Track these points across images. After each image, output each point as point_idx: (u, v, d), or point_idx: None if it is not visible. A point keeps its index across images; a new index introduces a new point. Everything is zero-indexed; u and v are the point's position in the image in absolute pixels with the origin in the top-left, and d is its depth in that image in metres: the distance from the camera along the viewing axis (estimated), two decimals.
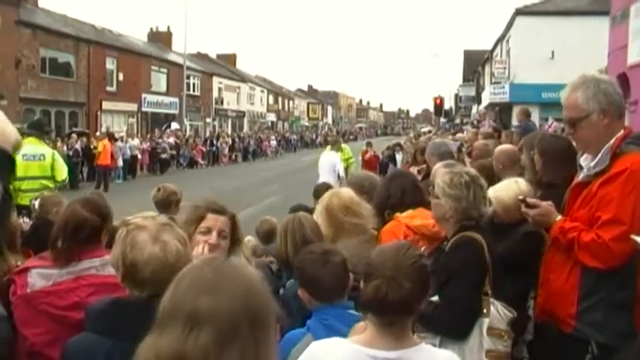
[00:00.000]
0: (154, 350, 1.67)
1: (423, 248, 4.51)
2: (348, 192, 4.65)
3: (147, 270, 2.50)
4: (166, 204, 6.34)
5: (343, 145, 18.61)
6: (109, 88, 42.45)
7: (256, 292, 1.76)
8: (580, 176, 3.81)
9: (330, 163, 15.26)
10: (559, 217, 3.70)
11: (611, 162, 3.53)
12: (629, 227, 3.32)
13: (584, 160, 3.80)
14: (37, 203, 6.25)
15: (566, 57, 27.86)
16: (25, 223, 6.06)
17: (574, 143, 4.12)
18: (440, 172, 3.83)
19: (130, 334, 2.39)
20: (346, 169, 17.10)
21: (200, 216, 3.45)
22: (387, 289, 2.36)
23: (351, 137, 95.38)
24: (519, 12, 34.73)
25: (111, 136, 30.54)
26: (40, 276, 3.46)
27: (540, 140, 5.03)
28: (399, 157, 19.03)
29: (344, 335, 2.74)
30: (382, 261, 2.45)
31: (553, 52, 31.55)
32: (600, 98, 3.58)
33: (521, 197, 3.99)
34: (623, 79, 14.36)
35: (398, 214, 4.57)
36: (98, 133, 32.61)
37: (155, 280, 2.47)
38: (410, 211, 4.56)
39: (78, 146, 28.82)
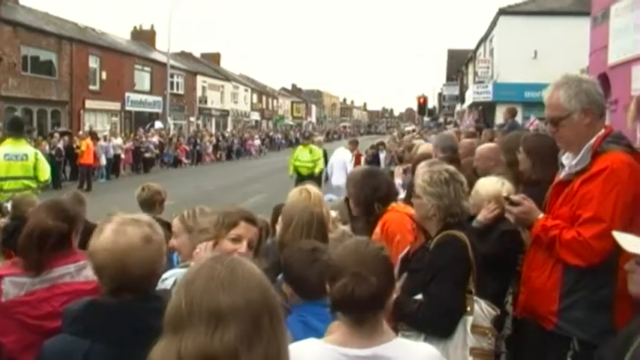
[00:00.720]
0: (174, 353, 1.65)
1: (407, 247, 4.57)
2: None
3: (97, 258, 2.47)
4: (150, 203, 6.32)
5: (312, 146, 18.84)
6: (92, 87, 42.14)
7: (267, 285, 1.78)
8: (561, 174, 3.84)
9: (341, 160, 16.96)
10: (541, 216, 3.73)
11: (592, 160, 3.57)
12: (610, 225, 3.35)
13: (566, 159, 3.85)
14: (9, 205, 6.18)
15: (548, 57, 28.06)
16: (3, 222, 6.02)
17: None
18: (420, 172, 3.86)
19: (107, 335, 2.40)
20: (313, 170, 17.34)
21: (233, 222, 3.38)
22: (353, 285, 2.34)
23: (335, 136, 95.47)
24: (502, 12, 34.88)
25: (93, 135, 30.31)
26: (13, 284, 3.41)
27: (526, 140, 5.05)
28: (382, 156, 19.04)
29: (320, 333, 2.75)
30: (344, 259, 2.44)
31: (536, 52, 31.71)
32: (582, 98, 3.62)
33: (504, 195, 4.02)
34: (604, 79, 14.48)
35: (394, 205, 4.76)
36: (81, 132, 32.35)
37: (103, 268, 2.45)
38: (400, 203, 4.84)
39: (60, 145, 28.58)
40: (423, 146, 8.93)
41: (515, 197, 3.88)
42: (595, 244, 3.42)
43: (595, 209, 3.46)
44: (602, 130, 3.67)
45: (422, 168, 4.91)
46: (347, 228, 5.12)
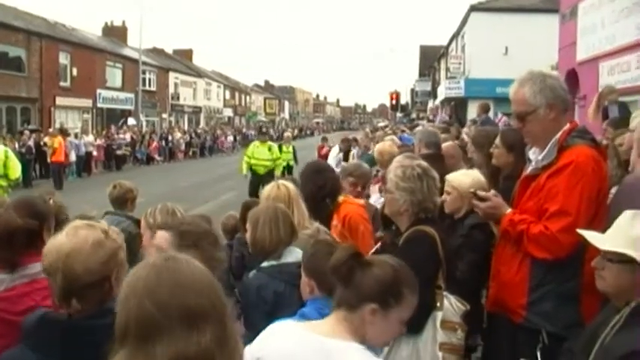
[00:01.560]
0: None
1: (378, 233, 4.61)
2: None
3: (46, 260, 2.44)
4: (122, 201, 6.27)
5: (271, 143, 17.97)
6: (62, 84, 41.54)
7: (217, 283, 1.78)
8: (528, 169, 3.89)
9: (333, 157, 16.88)
10: (509, 210, 3.77)
11: (558, 155, 3.62)
12: (575, 218, 3.41)
13: (533, 154, 3.89)
14: None
15: (519, 53, 28.27)
16: None
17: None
18: (392, 167, 3.88)
19: (57, 352, 2.34)
20: (271, 169, 16.90)
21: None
22: None
23: (308, 132, 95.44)
24: (474, 8, 35.15)
25: (64, 132, 29.97)
26: None
27: (506, 135, 5.08)
28: (354, 151, 19.03)
29: None
30: None
31: (507, 48, 32.02)
32: (547, 93, 3.67)
33: (472, 190, 4.04)
34: (573, 75, 14.66)
35: (345, 198, 5.01)
36: (51, 130, 31.98)
37: (52, 272, 2.41)
38: (349, 196, 5.07)
39: (31, 143, 28.22)
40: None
41: (482, 193, 3.91)
42: (562, 238, 3.47)
43: (561, 203, 3.51)
44: (567, 125, 3.73)
45: (396, 162, 4.95)
46: None
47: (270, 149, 17.18)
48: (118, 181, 6.54)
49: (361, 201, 4.95)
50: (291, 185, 4.72)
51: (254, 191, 14.71)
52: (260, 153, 17.19)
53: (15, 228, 3.47)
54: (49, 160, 27.48)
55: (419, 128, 16.65)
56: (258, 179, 15.49)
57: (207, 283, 1.72)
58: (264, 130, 21.54)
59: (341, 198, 5.16)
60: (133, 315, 1.65)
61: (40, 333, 2.41)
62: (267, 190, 4.64)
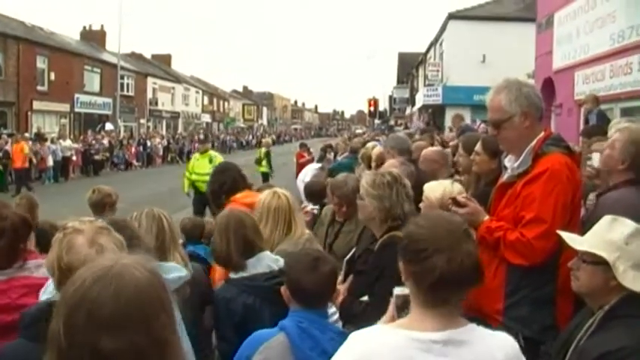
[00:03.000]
0: None
1: (353, 249, 4.66)
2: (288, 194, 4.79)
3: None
4: (101, 206, 6.25)
5: (213, 153, 14.84)
6: (40, 88, 41.08)
7: (156, 299, 1.67)
8: (504, 177, 3.93)
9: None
10: (486, 217, 3.80)
11: (533, 162, 3.67)
12: (551, 225, 3.45)
13: (508, 161, 3.94)
14: None
15: (496, 61, 28.61)
16: None
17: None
18: (364, 174, 3.95)
19: None
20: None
21: None
22: (460, 257, 2.18)
23: (286, 138, 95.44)
24: (452, 16, 35.40)
25: (41, 137, 29.69)
26: None
27: (487, 141, 5.08)
28: (330, 157, 19.03)
29: (318, 341, 2.81)
30: (435, 233, 2.23)
31: (484, 56, 32.30)
32: (522, 101, 3.72)
33: (451, 196, 4.05)
34: (549, 83, 14.83)
35: (237, 196, 5.47)
36: (27, 134, 31.69)
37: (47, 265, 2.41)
38: (242, 193, 5.54)
39: (8, 147, 27.88)
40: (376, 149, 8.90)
41: (460, 198, 3.94)
42: (538, 245, 3.51)
43: (537, 210, 3.55)
44: (542, 133, 3.78)
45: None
46: None
47: (211, 161, 13.48)
48: (97, 186, 6.52)
49: (253, 199, 5.09)
50: (288, 193, 4.74)
51: (198, 212, 12.58)
52: (200, 166, 13.88)
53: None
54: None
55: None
56: (202, 198, 12.75)
57: (135, 311, 1.61)
58: (202, 137, 16.09)
59: (239, 195, 5.49)
60: (50, 329, 1.65)
61: (40, 323, 2.35)
62: (266, 199, 4.59)
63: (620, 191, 4.09)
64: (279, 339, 3.06)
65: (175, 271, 3.35)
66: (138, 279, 1.63)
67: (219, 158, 13.57)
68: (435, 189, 4.79)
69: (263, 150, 24.01)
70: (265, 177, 21.91)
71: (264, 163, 23.05)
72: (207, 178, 10.21)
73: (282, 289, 3.32)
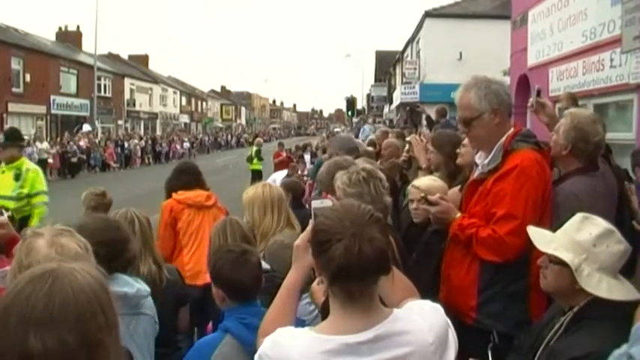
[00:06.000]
0: None
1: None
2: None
3: None
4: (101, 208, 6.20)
5: (25, 167, 8.16)
6: (15, 90, 40.56)
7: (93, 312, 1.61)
8: (475, 174, 3.95)
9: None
10: (458, 215, 3.82)
11: (504, 159, 3.69)
12: (522, 221, 3.46)
13: (479, 158, 3.96)
14: None
15: (473, 58, 28.71)
16: None
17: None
18: (338, 176, 3.92)
19: None
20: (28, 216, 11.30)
21: None
22: (359, 244, 2.03)
23: (265, 138, 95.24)
24: (428, 14, 35.44)
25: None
26: None
27: None
28: (307, 157, 19.06)
29: None
30: (339, 221, 2.10)
31: (461, 54, 32.38)
32: (491, 98, 3.74)
33: (422, 194, 4.06)
34: (525, 80, 14.93)
35: (176, 193, 6.40)
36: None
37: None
38: (185, 194, 6.40)
39: None
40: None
41: (432, 197, 3.95)
42: (509, 241, 3.54)
43: (508, 206, 3.57)
44: (512, 129, 3.80)
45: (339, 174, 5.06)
46: None
47: (18, 177, 8.33)
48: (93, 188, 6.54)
49: (182, 196, 6.40)
50: (274, 187, 4.79)
51: None
52: (2, 185, 8.34)
53: None
54: None
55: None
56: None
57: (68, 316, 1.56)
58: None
59: (179, 193, 6.38)
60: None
61: None
62: (264, 190, 4.67)
63: (570, 181, 4.06)
64: (227, 341, 3.04)
65: (126, 286, 3.27)
66: (77, 280, 1.59)
67: (30, 175, 8.42)
68: (420, 184, 4.78)
69: (254, 148, 24.93)
70: (256, 174, 22.62)
71: (255, 160, 24.02)
72: (8, 203, 7.74)
73: (214, 290, 3.28)
